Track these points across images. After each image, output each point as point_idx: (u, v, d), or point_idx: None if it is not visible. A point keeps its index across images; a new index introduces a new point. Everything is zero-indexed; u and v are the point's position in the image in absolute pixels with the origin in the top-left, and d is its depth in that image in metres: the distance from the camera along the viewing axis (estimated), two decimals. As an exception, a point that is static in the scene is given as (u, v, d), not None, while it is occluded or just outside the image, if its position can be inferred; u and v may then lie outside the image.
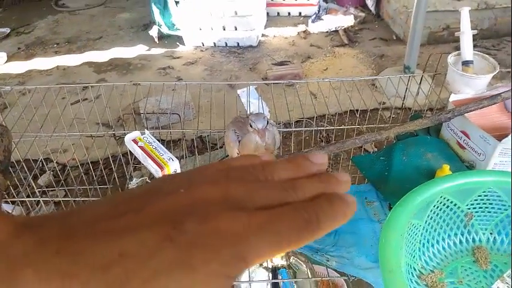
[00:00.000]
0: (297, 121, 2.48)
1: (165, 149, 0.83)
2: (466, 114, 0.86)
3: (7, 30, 4.06)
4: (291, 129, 1.15)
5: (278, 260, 0.85)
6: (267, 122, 0.80)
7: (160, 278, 0.21)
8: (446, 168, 0.82)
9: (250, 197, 0.25)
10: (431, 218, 0.70)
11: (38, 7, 4.64)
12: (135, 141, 0.85)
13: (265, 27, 3.74)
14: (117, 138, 1.94)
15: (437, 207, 0.70)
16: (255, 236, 0.23)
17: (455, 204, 0.71)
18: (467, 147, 0.88)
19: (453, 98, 0.91)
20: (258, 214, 0.24)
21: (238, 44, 3.47)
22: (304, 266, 0.83)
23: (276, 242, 0.24)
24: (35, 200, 1.46)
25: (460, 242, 0.74)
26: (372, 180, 0.85)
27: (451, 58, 1.04)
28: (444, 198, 0.69)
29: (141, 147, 0.83)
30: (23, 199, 1.20)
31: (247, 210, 0.24)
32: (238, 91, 2.71)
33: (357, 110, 2.20)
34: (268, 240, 0.24)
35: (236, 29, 3.40)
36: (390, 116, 2.60)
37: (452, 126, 0.90)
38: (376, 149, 1.97)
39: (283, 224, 0.24)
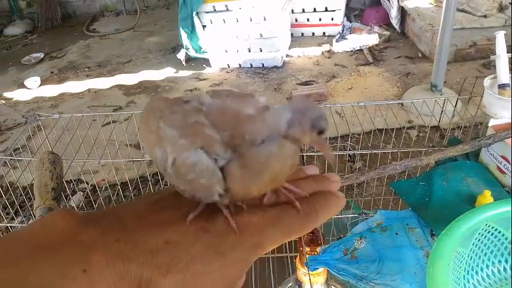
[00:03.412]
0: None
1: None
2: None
3: (41, 55, 4.24)
4: (316, 154, 1.15)
5: None
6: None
7: (197, 261, 0.27)
8: (488, 193, 0.82)
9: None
10: (476, 246, 0.70)
11: (70, 33, 4.84)
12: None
13: (290, 47, 3.79)
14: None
15: (482, 234, 0.69)
16: (268, 227, 0.29)
17: (499, 232, 0.70)
18: (508, 172, 0.87)
19: (493, 122, 0.91)
20: (270, 210, 0.30)
21: (263, 64, 3.52)
22: (344, 293, 0.83)
23: (285, 231, 0.30)
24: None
25: (504, 269, 0.73)
26: (413, 206, 0.85)
27: (487, 81, 1.04)
28: (489, 226, 0.69)
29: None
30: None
31: (261, 207, 0.31)
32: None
33: (385, 129, 2.19)
34: (278, 229, 0.30)
35: (261, 51, 3.46)
36: (418, 135, 2.59)
37: (491, 151, 0.90)
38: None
39: (290, 216, 0.30)
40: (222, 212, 0.29)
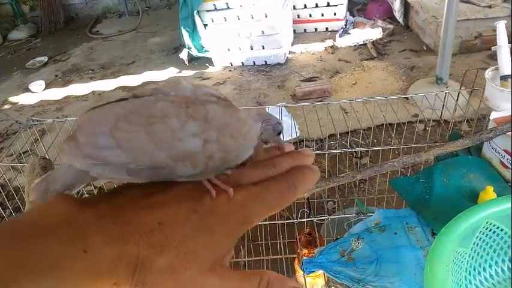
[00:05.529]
0: (329, 136, 2.46)
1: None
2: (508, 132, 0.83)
3: (45, 58, 4.26)
4: (324, 151, 1.13)
5: (318, 288, 0.83)
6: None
7: (189, 240, 0.29)
8: (490, 189, 0.79)
9: (245, 176, 0.34)
10: (477, 245, 0.67)
11: (73, 35, 4.85)
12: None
13: (293, 44, 3.76)
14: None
15: (483, 233, 0.67)
16: (252, 203, 0.32)
17: (501, 230, 0.68)
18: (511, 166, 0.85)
19: (494, 115, 0.88)
20: (253, 187, 0.33)
21: (266, 62, 3.50)
22: (345, 294, 0.81)
23: (267, 205, 0.32)
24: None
25: (508, 268, 0.71)
26: (412, 204, 0.82)
27: (488, 73, 1.01)
28: (490, 224, 0.66)
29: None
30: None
31: (244, 185, 0.33)
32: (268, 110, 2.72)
33: (390, 124, 2.15)
34: (261, 205, 0.32)
35: (263, 48, 3.43)
36: (425, 129, 2.55)
37: (494, 145, 0.87)
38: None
39: (271, 192, 0.33)
40: (208, 192, 0.31)
